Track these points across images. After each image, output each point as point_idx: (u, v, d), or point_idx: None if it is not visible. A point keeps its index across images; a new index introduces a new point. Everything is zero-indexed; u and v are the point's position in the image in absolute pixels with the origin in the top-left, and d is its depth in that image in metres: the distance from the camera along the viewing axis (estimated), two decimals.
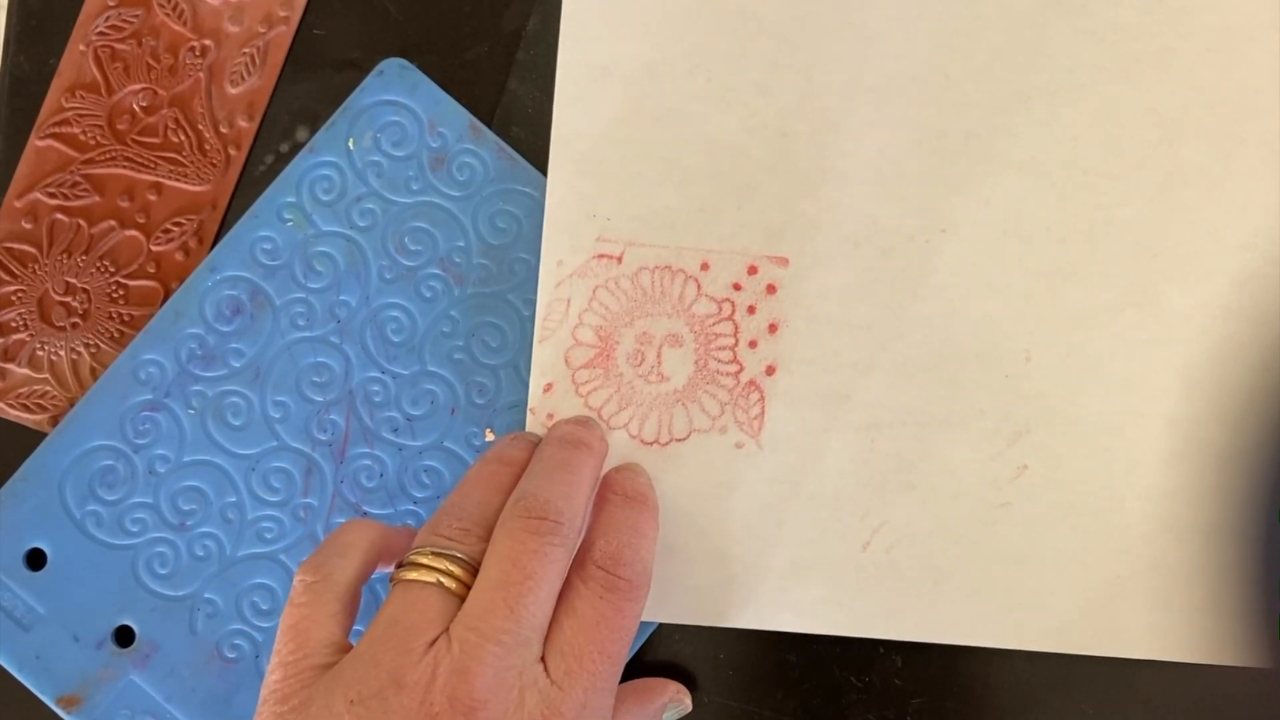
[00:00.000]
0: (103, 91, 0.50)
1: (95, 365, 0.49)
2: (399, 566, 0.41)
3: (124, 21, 0.50)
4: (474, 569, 0.40)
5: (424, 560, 0.40)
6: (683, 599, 0.46)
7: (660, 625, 0.48)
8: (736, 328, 0.47)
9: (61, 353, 0.49)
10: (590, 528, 0.43)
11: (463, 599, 0.39)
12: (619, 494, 0.44)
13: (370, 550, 0.42)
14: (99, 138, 0.49)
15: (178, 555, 0.48)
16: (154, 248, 0.49)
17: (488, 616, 0.38)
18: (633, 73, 0.48)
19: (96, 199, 0.49)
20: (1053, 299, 0.47)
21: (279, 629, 0.40)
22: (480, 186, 0.48)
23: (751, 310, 0.47)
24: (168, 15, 0.50)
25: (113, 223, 0.49)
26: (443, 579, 0.39)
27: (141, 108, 0.50)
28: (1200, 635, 0.46)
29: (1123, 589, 0.46)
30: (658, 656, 0.48)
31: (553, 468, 0.43)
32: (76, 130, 0.49)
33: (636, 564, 0.41)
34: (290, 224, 0.48)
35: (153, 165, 0.49)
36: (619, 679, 0.41)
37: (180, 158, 0.50)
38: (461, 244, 0.48)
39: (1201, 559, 0.46)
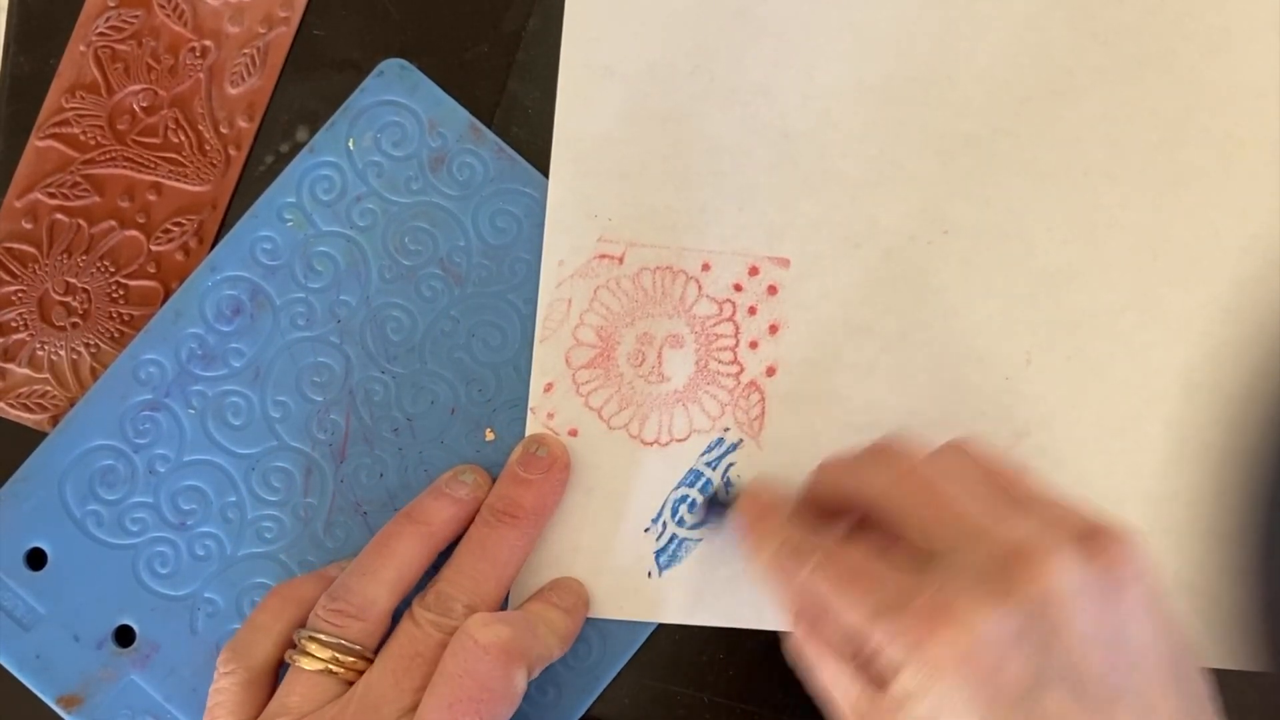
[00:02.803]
0: (103, 92, 0.50)
1: (95, 365, 0.49)
2: (292, 647, 0.44)
3: (124, 22, 0.50)
4: (364, 654, 0.43)
5: (311, 649, 0.43)
6: (683, 599, 0.46)
7: (660, 625, 0.48)
8: (737, 328, 0.47)
9: (61, 352, 0.49)
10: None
11: (351, 682, 0.43)
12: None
13: (289, 626, 0.45)
14: (99, 138, 0.49)
15: (178, 555, 0.48)
16: (154, 248, 0.49)
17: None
18: (634, 73, 0.48)
19: (96, 199, 0.49)
20: (1053, 301, 0.47)
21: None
22: (480, 187, 0.48)
23: (752, 311, 0.47)
24: (168, 16, 0.50)
25: (113, 223, 0.49)
26: (331, 666, 0.43)
27: (142, 108, 0.50)
28: (1199, 638, 0.46)
29: None
30: (658, 657, 0.48)
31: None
32: (76, 130, 0.49)
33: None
34: (290, 224, 0.48)
35: (153, 165, 0.49)
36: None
37: (180, 158, 0.49)
38: (461, 244, 0.48)
39: (1201, 562, 0.46)
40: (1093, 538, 0.36)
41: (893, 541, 0.38)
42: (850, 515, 0.41)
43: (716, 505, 0.46)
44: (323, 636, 0.43)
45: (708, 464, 0.47)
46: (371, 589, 0.43)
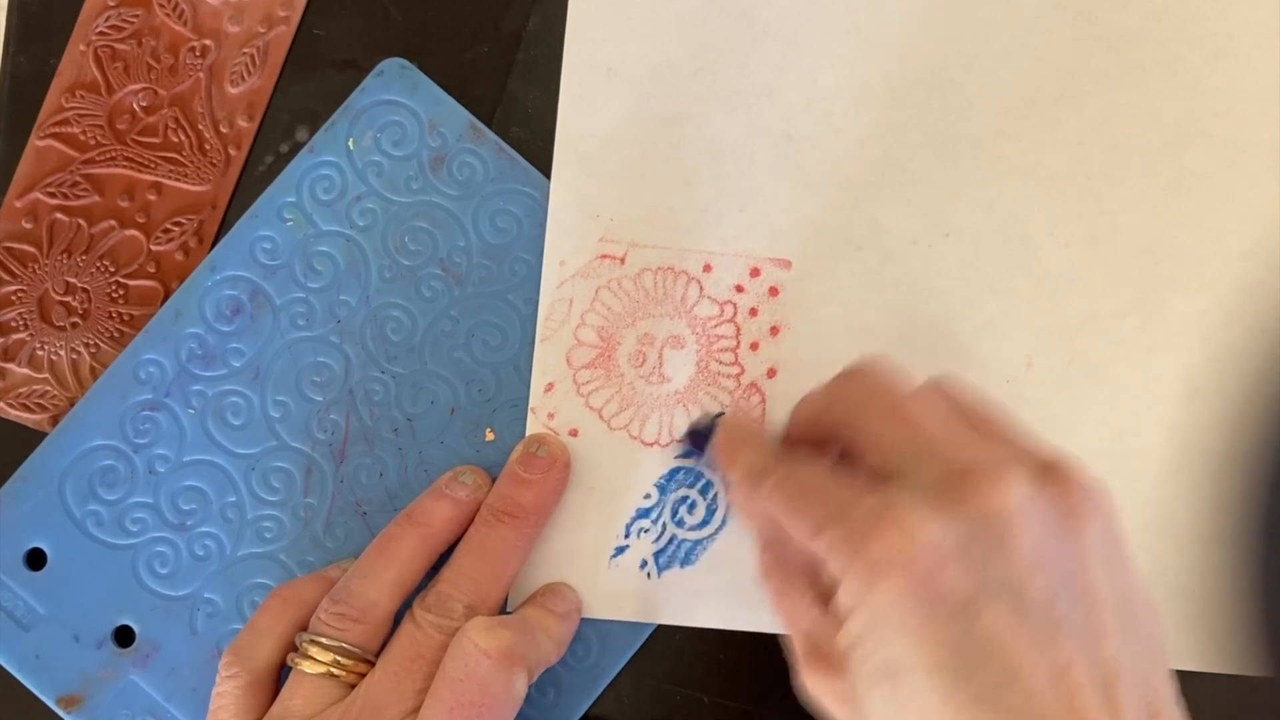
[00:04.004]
0: (103, 91, 0.49)
1: (95, 365, 0.49)
2: (294, 650, 0.44)
3: (124, 21, 0.49)
4: (365, 657, 0.43)
5: (313, 653, 0.43)
6: (682, 600, 0.46)
7: (660, 625, 0.48)
8: (738, 329, 0.47)
9: (61, 352, 0.49)
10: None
11: (353, 684, 0.43)
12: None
13: (290, 629, 0.45)
14: (99, 138, 0.49)
15: (178, 555, 0.48)
16: (154, 247, 0.49)
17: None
18: (638, 74, 0.48)
19: (96, 199, 0.49)
20: (1055, 304, 0.47)
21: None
22: (480, 186, 0.48)
23: (754, 312, 0.47)
24: (168, 15, 0.49)
25: (113, 222, 0.49)
26: (333, 669, 0.43)
27: (141, 108, 0.49)
28: (1199, 643, 0.46)
29: None
30: (658, 656, 0.48)
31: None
32: (76, 130, 0.49)
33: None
34: (290, 224, 0.48)
35: (153, 165, 0.49)
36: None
37: (180, 158, 0.49)
38: (461, 244, 0.48)
39: (1201, 567, 0.46)
40: (1052, 469, 0.35)
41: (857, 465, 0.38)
42: (831, 449, 0.41)
43: (698, 435, 0.46)
44: (324, 640, 0.43)
45: (708, 465, 0.47)
46: (372, 592, 0.43)
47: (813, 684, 0.38)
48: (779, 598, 0.39)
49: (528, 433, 0.47)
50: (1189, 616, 0.46)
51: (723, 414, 0.47)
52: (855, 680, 0.35)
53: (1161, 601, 0.46)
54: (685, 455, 0.46)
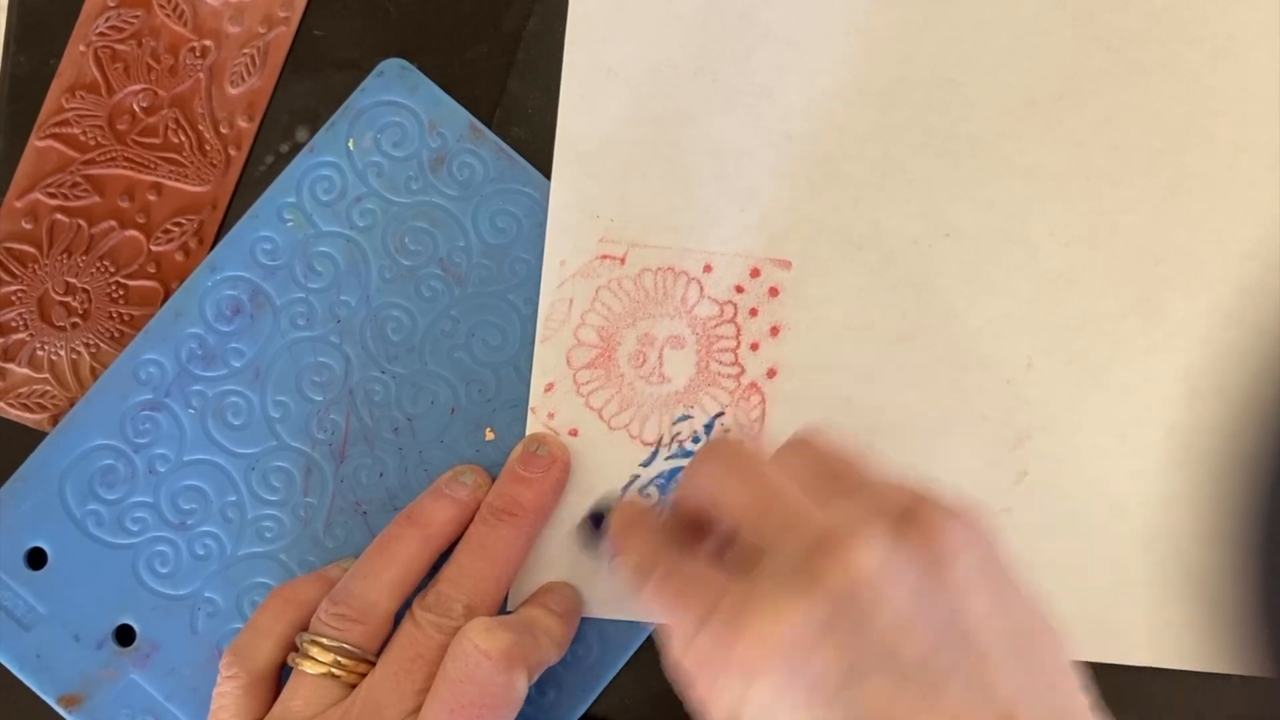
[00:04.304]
0: (103, 92, 0.49)
1: (95, 365, 0.49)
2: (295, 650, 0.44)
3: (124, 22, 0.49)
4: (366, 657, 0.43)
5: (313, 653, 0.43)
6: None
7: (659, 625, 0.48)
8: (738, 330, 0.47)
9: (61, 352, 0.49)
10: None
11: (354, 684, 0.43)
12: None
13: (290, 629, 0.45)
14: (99, 138, 0.49)
15: (178, 554, 0.48)
16: (154, 248, 0.49)
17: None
18: (638, 74, 0.48)
19: (96, 199, 0.49)
20: (1055, 305, 0.47)
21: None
22: (480, 187, 0.48)
23: (754, 313, 0.47)
24: (168, 16, 0.49)
25: (113, 223, 0.49)
26: (333, 670, 0.43)
27: (142, 108, 0.49)
28: (1200, 643, 0.46)
29: (1122, 596, 0.46)
30: (657, 657, 0.48)
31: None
32: (77, 130, 0.49)
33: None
34: (290, 224, 0.48)
35: (153, 166, 0.49)
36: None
37: (180, 158, 0.49)
38: (461, 244, 0.48)
39: (1201, 567, 0.46)
40: (910, 516, 0.34)
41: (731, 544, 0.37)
42: (722, 526, 0.40)
43: (598, 518, 0.46)
44: (325, 640, 0.43)
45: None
46: (373, 592, 0.43)
47: None
48: (690, 689, 0.37)
49: (528, 432, 0.47)
50: (1189, 616, 0.46)
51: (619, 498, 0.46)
52: None
53: (1162, 601, 0.46)
54: (586, 542, 0.46)
